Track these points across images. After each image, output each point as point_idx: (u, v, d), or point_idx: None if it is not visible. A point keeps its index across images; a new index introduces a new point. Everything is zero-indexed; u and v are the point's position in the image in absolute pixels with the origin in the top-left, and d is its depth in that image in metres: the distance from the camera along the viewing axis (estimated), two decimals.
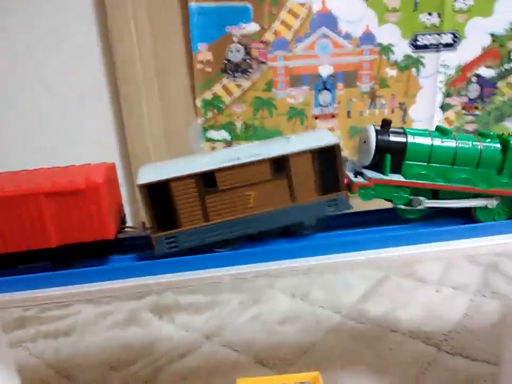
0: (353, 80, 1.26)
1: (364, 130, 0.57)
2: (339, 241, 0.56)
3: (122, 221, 0.60)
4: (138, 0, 1.13)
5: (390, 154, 0.55)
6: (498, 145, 0.56)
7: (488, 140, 0.57)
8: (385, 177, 0.55)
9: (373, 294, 1.12)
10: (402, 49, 1.25)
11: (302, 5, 1.18)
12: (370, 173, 0.56)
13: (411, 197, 0.56)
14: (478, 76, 1.31)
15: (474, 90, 1.32)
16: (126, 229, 0.59)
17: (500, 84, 1.33)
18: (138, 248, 0.58)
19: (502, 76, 1.32)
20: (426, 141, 0.56)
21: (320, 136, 0.56)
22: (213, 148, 1.27)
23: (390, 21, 1.22)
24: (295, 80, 1.24)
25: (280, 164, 0.53)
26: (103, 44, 1.16)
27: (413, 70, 1.27)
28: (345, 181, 0.55)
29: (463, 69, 1.29)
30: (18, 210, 0.50)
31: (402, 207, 0.56)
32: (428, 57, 1.26)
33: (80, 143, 1.21)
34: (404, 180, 0.55)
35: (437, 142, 0.56)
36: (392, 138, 0.55)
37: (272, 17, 1.18)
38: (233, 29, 1.18)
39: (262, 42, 1.19)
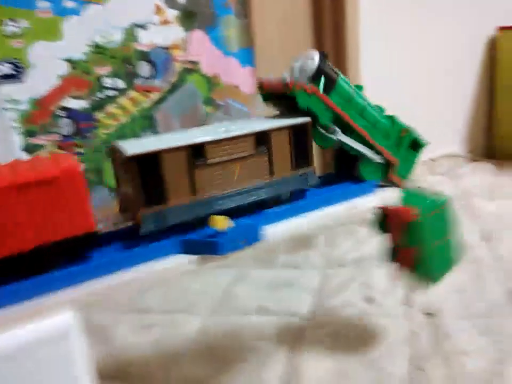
0: None
1: (307, 53, 0.63)
2: None
3: None
4: None
5: (325, 79, 0.62)
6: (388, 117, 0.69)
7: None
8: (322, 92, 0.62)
9: None
10: None
11: None
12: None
13: (330, 124, 0.63)
14: (66, 108, 1.11)
15: (66, 125, 1.11)
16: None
17: (99, 115, 1.16)
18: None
19: (97, 106, 1.15)
20: (348, 85, 0.65)
21: (293, 116, 0.60)
22: None
23: None
24: None
25: (262, 139, 0.56)
26: None
27: None
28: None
29: (42, 103, 1.08)
30: None
31: (322, 130, 0.63)
32: None
33: None
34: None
35: (354, 91, 0.66)
36: (330, 65, 0.64)
37: None
38: None
39: None
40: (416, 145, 0.71)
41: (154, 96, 1.23)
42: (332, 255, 1.15)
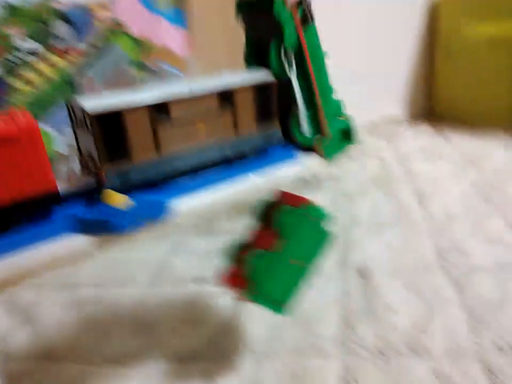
0: None
1: None
2: None
3: None
4: None
5: (302, 13, 0.63)
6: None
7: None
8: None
9: None
10: None
11: None
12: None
13: (291, 51, 0.62)
14: None
15: None
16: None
17: (15, 81, 1.07)
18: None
19: (11, 70, 1.06)
20: (317, 38, 0.65)
21: (258, 74, 0.61)
22: None
23: None
24: None
25: (227, 97, 0.56)
26: None
27: None
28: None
29: None
30: None
31: (282, 54, 0.62)
32: None
33: None
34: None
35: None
36: (310, 7, 0.64)
37: None
38: None
39: None
40: (348, 136, 0.71)
41: (76, 59, 1.15)
42: None
